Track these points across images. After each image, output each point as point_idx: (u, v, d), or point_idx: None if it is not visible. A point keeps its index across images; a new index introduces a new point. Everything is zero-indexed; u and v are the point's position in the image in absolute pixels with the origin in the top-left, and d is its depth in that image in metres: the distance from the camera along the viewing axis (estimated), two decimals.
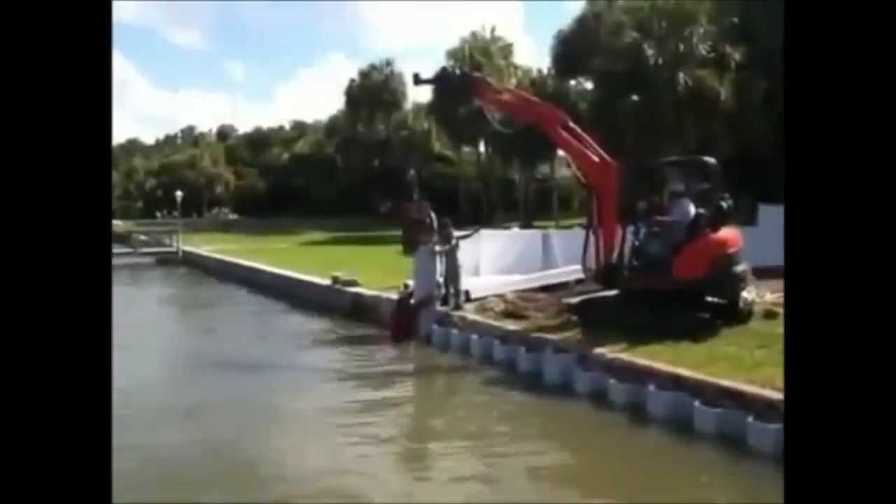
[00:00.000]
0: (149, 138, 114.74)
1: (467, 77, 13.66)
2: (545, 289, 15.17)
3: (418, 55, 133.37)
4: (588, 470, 7.79)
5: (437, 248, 14.48)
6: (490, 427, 9.14)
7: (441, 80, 13.87)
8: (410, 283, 15.32)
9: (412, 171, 15.38)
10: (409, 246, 14.99)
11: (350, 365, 12.91)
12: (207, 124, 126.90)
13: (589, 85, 40.22)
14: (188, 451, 8.27)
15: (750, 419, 7.48)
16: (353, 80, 59.72)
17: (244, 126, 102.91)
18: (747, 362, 8.90)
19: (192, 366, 13.39)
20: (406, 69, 63.17)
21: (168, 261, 38.24)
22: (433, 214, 14.91)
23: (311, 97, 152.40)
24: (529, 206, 48.75)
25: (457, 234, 14.94)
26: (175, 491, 7.05)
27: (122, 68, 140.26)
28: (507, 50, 50.11)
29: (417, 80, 13.92)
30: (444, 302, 14.46)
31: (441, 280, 14.54)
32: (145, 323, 18.58)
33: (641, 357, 9.61)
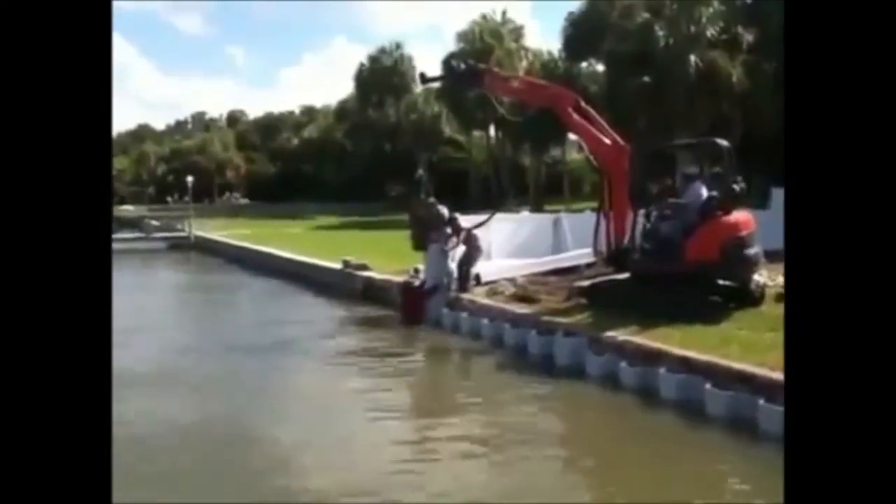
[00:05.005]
0: (159, 124, 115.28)
1: (474, 69, 13.48)
2: (556, 272, 15.13)
3: (424, 35, 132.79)
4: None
5: (449, 244, 14.39)
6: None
7: (447, 76, 13.75)
8: (420, 266, 15.30)
9: (420, 171, 15.18)
10: (419, 244, 14.82)
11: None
12: (216, 110, 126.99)
13: (600, 67, 39.98)
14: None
15: (761, 402, 7.47)
16: (362, 65, 59.56)
17: (251, 111, 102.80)
18: (759, 345, 8.86)
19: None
20: (413, 50, 62.89)
21: (180, 245, 38.36)
22: (444, 211, 14.74)
23: (318, 82, 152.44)
24: (540, 190, 48.63)
25: (474, 220, 14.85)
26: None
27: (131, 55, 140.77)
28: (517, 32, 49.81)
29: (424, 80, 13.80)
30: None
31: (454, 266, 14.48)
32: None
33: (653, 340, 9.59)
